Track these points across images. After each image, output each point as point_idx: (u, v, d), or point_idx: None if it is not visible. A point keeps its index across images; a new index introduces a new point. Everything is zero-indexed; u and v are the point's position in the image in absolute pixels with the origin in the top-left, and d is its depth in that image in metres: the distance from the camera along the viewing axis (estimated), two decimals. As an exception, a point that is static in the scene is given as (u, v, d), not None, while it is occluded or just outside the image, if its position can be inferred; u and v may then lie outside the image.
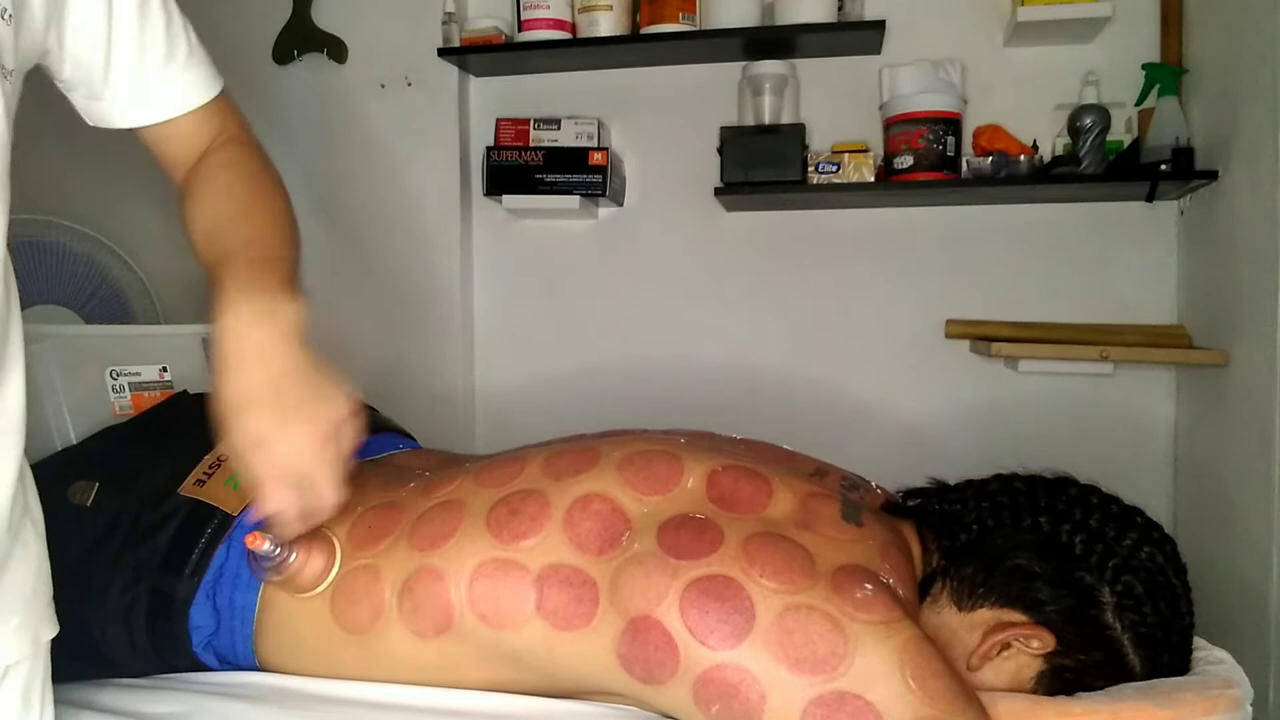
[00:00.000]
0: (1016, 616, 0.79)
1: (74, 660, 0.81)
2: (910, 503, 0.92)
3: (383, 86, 1.95)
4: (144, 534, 0.82)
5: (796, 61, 1.82)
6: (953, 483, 0.93)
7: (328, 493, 0.73)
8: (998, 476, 0.90)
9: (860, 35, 1.74)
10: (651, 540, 0.74)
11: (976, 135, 1.72)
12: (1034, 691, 0.79)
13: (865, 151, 1.72)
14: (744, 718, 0.68)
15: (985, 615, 0.80)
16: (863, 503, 0.85)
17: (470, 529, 0.78)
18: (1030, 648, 0.78)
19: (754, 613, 0.69)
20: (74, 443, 0.97)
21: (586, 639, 0.73)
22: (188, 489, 0.84)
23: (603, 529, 0.76)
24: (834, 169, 1.71)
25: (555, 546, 0.76)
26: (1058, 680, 0.79)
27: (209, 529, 0.82)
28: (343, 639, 0.79)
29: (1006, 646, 0.79)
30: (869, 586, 0.71)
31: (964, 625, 0.81)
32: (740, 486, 0.79)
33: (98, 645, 0.81)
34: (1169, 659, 0.80)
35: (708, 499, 0.77)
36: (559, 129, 1.88)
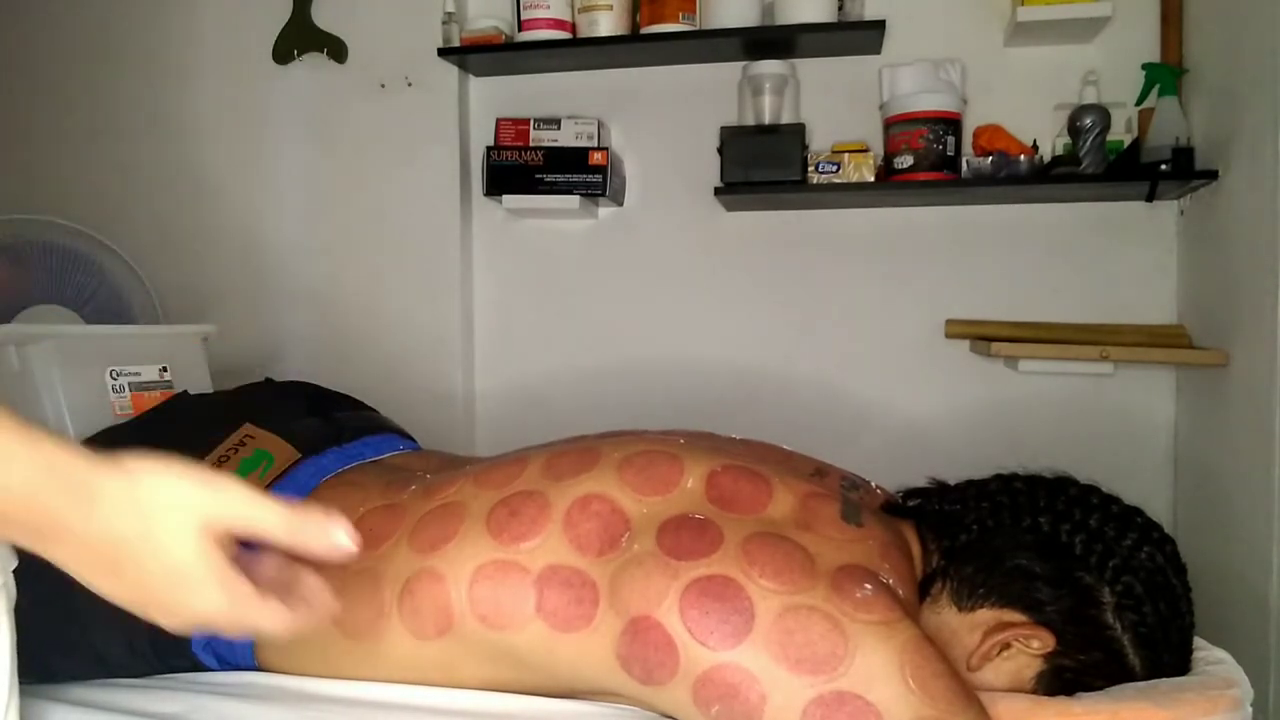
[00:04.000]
0: (1016, 616, 0.79)
1: (73, 660, 0.81)
2: (910, 503, 0.92)
3: (383, 86, 1.95)
4: (144, 534, 0.82)
5: (796, 61, 1.82)
6: (952, 483, 0.93)
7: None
8: (998, 476, 0.90)
9: (860, 35, 1.74)
10: (651, 541, 0.74)
11: (976, 135, 1.72)
12: (1034, 691, 0.79)
13: (865, 151, 1.72)
14: (744, 718, 0.68)
15: (985, 615, 0.80)
16: (862, 503, 0.85)
17: (470, 531, 0.78)
18: (1030, 648, 0.78)
19: (754, 613, 0.69)
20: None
21: (586, 640, 0.73)
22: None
23: (602, 530, 0.76)
24: (834, 169, 1.71)
25: (555, 547, 0.75)
26: (1058, 680, 0.79)
27: (209, 529, 0.82)
28: (343, 641, 0.79)
29: (1006, 646, 0.79)
30: (869, 586, 0.71)
31: (964, 625, 0.81)
32: (740, 487, 0.79)
33: (97, 646, 0.81)
34: (1169, 659, 0.80)
35: (707, 499, 0.77)
36: (559, 129, 1.87)
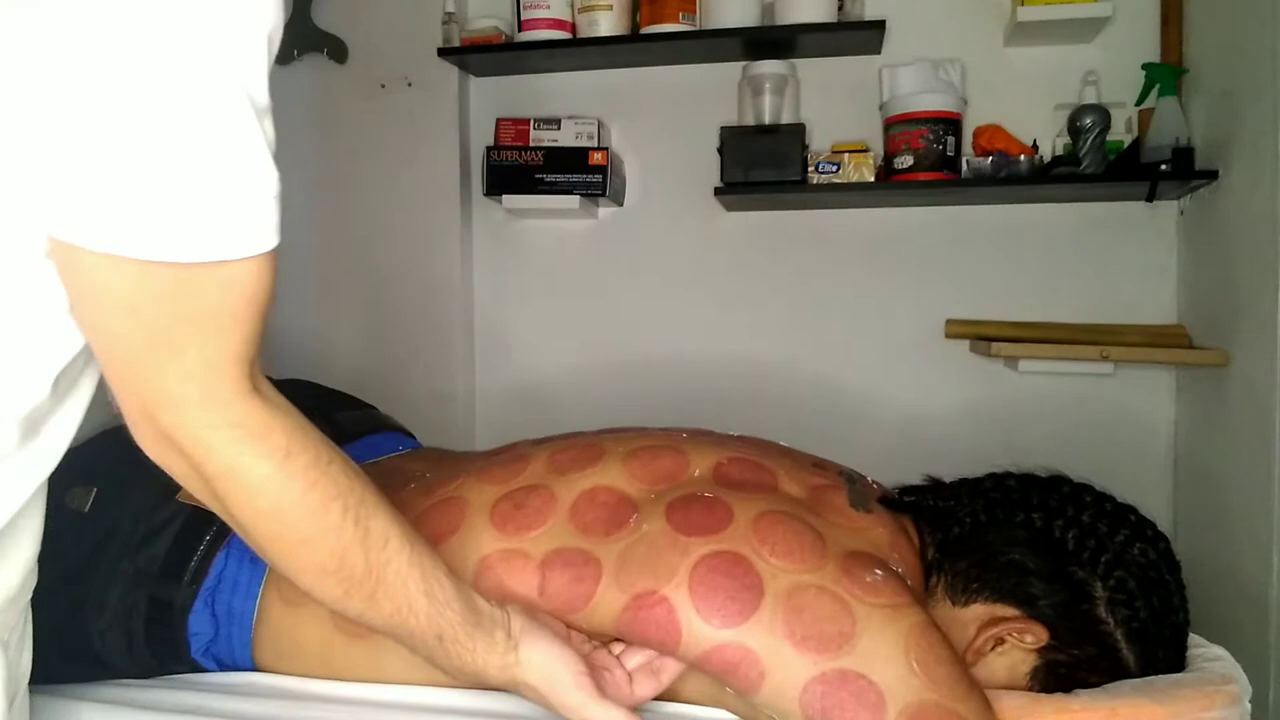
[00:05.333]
0: (1010, 611, 0.79)
1: (72, 664, 0.81)
2: (906, 499, 0.92)
3: (383, 86, 1.95)
4: (142, 540, 0.81)
5: (796, 61, 1.82)
6: (948, 481, 0.93)
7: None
8: (991, 474, 0.90)
9: (860, 35, 1.74)
10: (660, 519, 0.74)
11: (976, 135, 1.72)
12: (1030, 687, 0.79)
13: (865, 151, 1.72)
14: (742, 692, 0.69)
15: (979, 610, 0.80)
16: (865, 493, 0.85)
17: (475, 524, 0.78)
18: (1024, 642, 0.78)
19: (762, 590, 0.69)
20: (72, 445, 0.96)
21: (585, 621, 0.73)
22: (186, 495, 0.84)
23: (609, 516, 0.76)
24: (834, 169, 1.71)
25: (560, 535, 0.76)
26: (1052, 675, 0.79)
27: (208, 535, 0.81)
28: (343, 643, 0.79)
29: (1000, 641, 0.79)
30: (879, 572, 0.72)
31: (958, 620, 0.81)
32: (746, 477, 0.79)
33: (96, 650, 0.81)
34: (1163, 654, 0.80)
35: (715, 484, 0.78)
36: (559, 129, 1.88)
